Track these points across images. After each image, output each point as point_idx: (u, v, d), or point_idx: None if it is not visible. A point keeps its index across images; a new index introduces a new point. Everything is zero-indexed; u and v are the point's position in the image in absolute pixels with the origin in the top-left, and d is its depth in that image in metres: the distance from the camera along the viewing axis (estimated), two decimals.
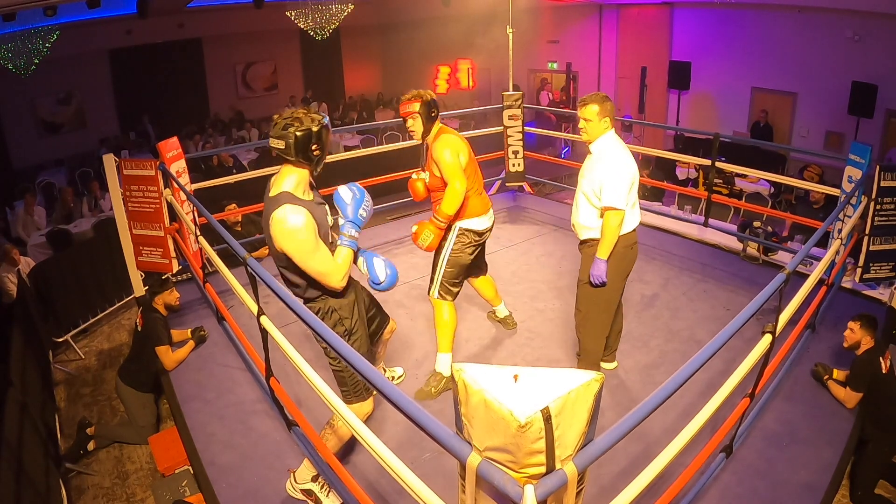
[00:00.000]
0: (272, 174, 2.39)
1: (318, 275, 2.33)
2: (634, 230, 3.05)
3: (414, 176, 3.35)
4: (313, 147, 2.25)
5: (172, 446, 3.51)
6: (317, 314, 2.40)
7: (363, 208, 2.40)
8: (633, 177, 2.92)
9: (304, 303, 2.46)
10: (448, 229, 3.26)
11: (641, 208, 3.19)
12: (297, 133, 2.20)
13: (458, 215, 3.20)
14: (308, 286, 2.44)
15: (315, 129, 2.23)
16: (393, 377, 3.54)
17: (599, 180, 2.89)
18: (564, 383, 1.45)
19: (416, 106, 3.11)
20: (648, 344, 3.86)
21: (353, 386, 2.55)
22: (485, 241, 3.47)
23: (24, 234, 7.35)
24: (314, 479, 2.70)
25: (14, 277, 5.34)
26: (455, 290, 3.36)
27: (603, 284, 2.98)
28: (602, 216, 2.93)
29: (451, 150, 3.11)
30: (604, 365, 3.51)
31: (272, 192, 2.31)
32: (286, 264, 2.37)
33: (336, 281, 2.36)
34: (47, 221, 7.74)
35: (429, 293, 3.41)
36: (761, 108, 9.66)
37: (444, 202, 3.11)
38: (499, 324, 4.13)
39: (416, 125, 3.15)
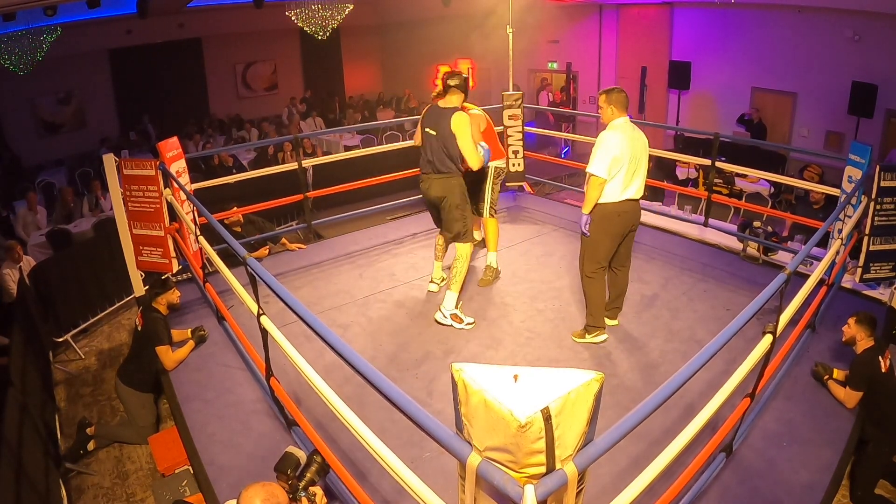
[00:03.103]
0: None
1: (469, 152, 3.88)
2: (625, 201, 3.59)
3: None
4: (468, 84, 4.01)
5: (172, 446, 3.51)
6: (455, 182, 3.98)
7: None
8: (620, 155, 3.48)
9: (448, 177, 3.96)
10: (486, 171, 4.62)
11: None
12: (463, 76, 3.97)
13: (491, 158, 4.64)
14: (457, 164, 3.95)
15: (467, 75, 4.09)
16: (444, 278, 4.66)
17: (592, 152, 3.59)
18: (564, 383, 1.45)
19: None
20: (648, 344, 3.86)
21: (465, 233, 4.07)
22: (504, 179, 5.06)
23: (25, 234, 7.34)
24: (455, 305, 4.09)
25: (16, 274, 5.34)
26: (496, 210, 4.89)
27: (585, 234, 3.69)
28: (587, 180, 3.63)
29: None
30: (607, 321, 4.00)
31: (447, 105, 3.92)
32: (451, 146, 3.87)
33: (477, 161, 3.95)
34: (47, 221, 7.75)
35: (483, 216, 4.74)
36: (755, 106, 9.66)
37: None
38: (499, 322, 4.13)
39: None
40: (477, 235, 5.42)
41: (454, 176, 3.98)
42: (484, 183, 4.71)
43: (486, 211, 4.74)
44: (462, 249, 4.10)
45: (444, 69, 5.44)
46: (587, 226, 3.66)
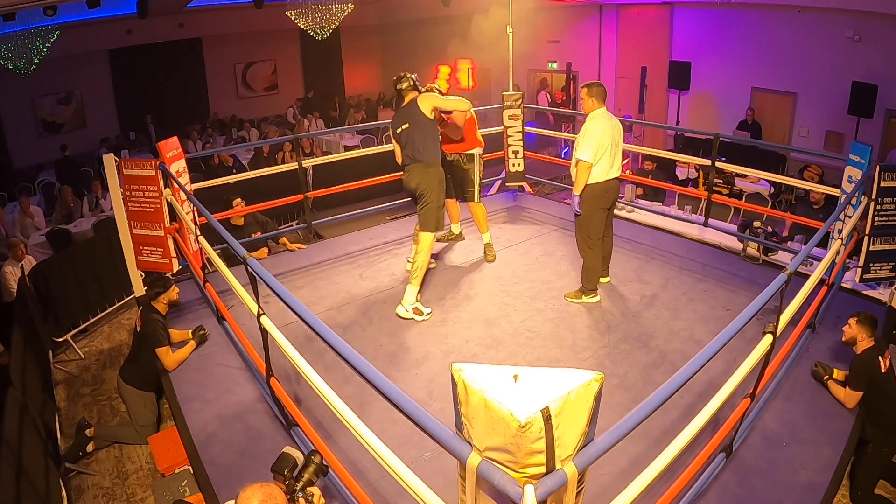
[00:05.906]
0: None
1: (450, 105, 4.16)
2: (610, 179, 4.09)
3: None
4: (417, 83, 4.19)
5: (172, 446, 3.51)
6: (433, 172, 4.14)
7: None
8: (603, 141, 3.94)
9: (426, 166, 4.12)
10: (473, 159, 4.89)
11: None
12: (410, 76, 4.16)
13: (474, 146, 4.90)
14: (437, 146, 4.17)
15: (415, 76, 4.20)
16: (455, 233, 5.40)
17: (577, 139, 4.06)
18: (564, 383, 1.45)
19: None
20: (648, 344, 3.86)
21: (433, 223, 4.18)
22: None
23: (24, 236, 7.32)
24: (416, 299, 4.20)
25: (17, 272, 5.34)
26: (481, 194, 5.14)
27: (577, 213, 4.16)
28: (575, 165, 4.04)
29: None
30: (600, 279, 4.48)
31: (406, 104, 4.15)
32: (428, 129, 4.10)
33: (465, 105, 4.16)
34: (47, 221, 7.74)
35: (473, 201, 4.97)
36: (749, 107, 9.67)
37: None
38: (499, 322, 4.13)
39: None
40: (455, 229, 5.54)
41: (432, 165, 4.15)
42: (471, 170, 4.90)
43: (476, 195, 4.95)
44: (424, 241, 4.21)
45: (444, 69, 5.45)
46: (579, 205, 4.12)
